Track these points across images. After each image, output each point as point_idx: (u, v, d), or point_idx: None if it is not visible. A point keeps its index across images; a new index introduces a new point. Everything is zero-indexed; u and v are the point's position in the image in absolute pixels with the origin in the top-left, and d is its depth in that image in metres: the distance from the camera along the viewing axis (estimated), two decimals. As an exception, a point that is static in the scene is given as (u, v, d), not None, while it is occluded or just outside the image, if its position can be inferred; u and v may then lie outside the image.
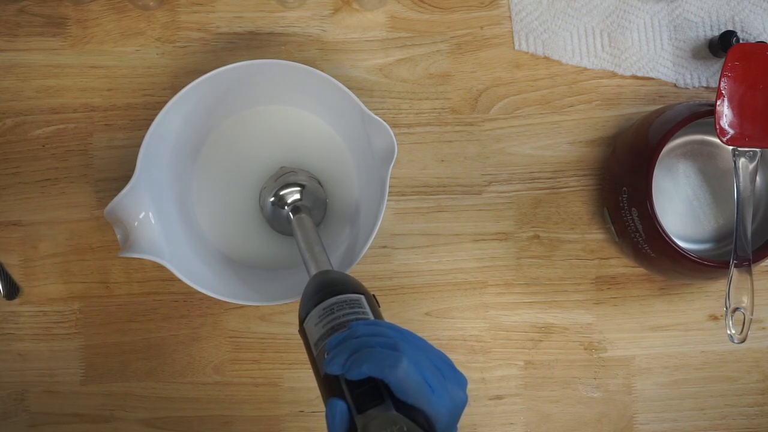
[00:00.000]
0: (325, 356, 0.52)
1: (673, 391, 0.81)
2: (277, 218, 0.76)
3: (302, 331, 0.57)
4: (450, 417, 0.50)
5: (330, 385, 0.51)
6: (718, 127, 0.69)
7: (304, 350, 0.71)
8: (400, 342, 0.51)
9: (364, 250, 0.70)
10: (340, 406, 0.49)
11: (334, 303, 0.55)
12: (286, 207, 0.74)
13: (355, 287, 0.58)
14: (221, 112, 0.76)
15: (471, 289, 0.80)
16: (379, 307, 0.58)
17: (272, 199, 0.75)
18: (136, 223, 0.67)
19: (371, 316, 0.56)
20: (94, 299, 0.79)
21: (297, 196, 0.74)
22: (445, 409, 0.50)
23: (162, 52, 0.79)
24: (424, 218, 0.80)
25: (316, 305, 0.56)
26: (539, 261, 0.80)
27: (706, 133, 0.76)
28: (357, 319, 0.54)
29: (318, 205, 0.76)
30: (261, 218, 0.77)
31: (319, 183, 0.77)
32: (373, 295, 0.58)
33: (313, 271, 0.63)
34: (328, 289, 0.57)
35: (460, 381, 0.52)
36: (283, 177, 0.75)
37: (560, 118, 0.80)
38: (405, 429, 0.47)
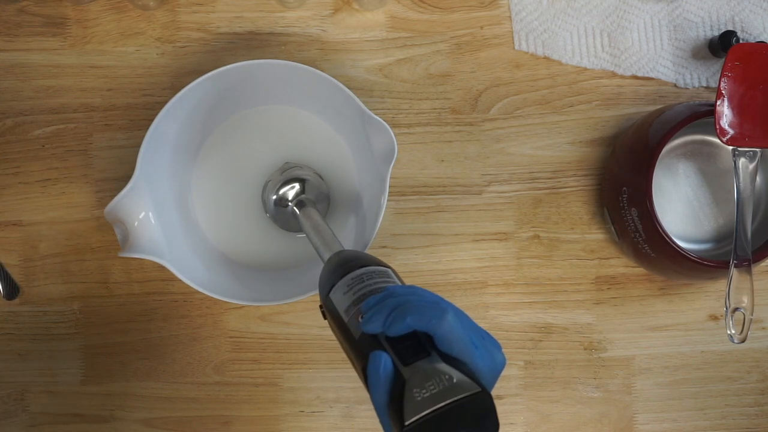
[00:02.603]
0: (360, 318, 0.50)
1: (673, 391, 0.81)
2: (280, 213, 0.76)
3: (328, 303, 0.55)
4: (491, 375, 0.50)
5: (368, 345, 0.50)
6: (718, 127, 0.69)
7: (304, 350, 0.71)
8: (440, 299, 0.50)
9: (365, 250, 0.70)
10: (385, 358, 0.47)
11: (363, 273, 0.54)
12: (290, 203, 0.74)
13: (380, 262, 0.57)
14: (221, 112, 0.76)
15: (471, 289, 0.80)
16: None
17: (276, 195, 0.75)
18: (136, 223, 0.67)
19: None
20: (94, 299, 0.79)
21: (301, 190, 0.75)
22: (486, 366, 0.49)
23: (162, 52, 0.79)
24: (424, 218, 0.80)
25: (342, 276, 0.55)
26: (539, 261, 0.80)
27: (706, 133, 0.76)
28: (392, 284, 0.54)
29: (321, 199, 0.76)
30: (262, 218, 0.77)
31: (322, 178, 0.77)
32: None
33: (328, 255, 0.62)
34: (354, 263, 0.56)
35: (497, 345, 0.52)
36: (288, 171, 0.75)
37: (560, 118, 0.80)
38: (454, 379, 0.46)
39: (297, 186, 0.75)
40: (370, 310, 0.50)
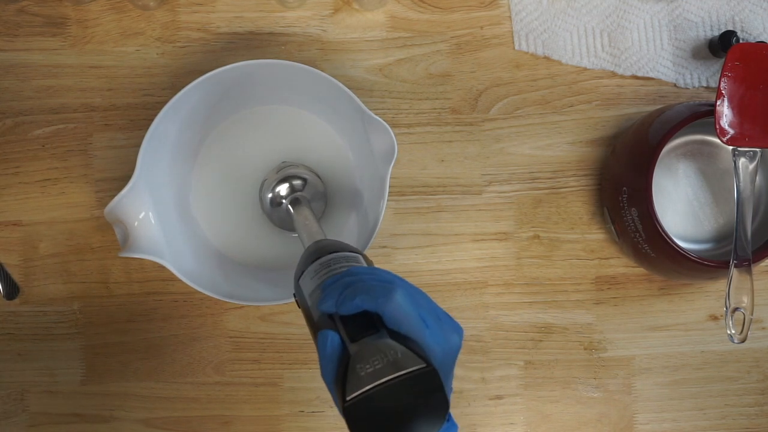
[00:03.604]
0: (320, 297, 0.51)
1: (673, 391, 0.81)
2: (276, 211, 0.76)
3: (297, 289, 0.56)
4: (444, 356, 0.49)
5: (323, 324, 0.50)
6: (718, 127, 0.69)
7: (304, 350, 0.71)
8: (395, 279, 0.50)
9: (364, 250, 0.70)
10: (331, 335, 0.48)
11: (331, 258, 0.55)
12: (284, 200, 0.74)
13: (352, 249, 0.57)
14: (221, 112, 0.76)
15: (471, 289, 0.80)
16: None
17: (272, 193, 0.75)
18: (136, 223, 0.67)
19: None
20: (94, 299, 0.79)
21: (297, 188, 0.75)
22: (438, 346, 0.49)
23: (162, 52, 0.79)
24: (424, 218, 0.80)
25: (312, 262, 0.55)
26: (539, 261, 0.80)
27: (706, 133, 0.76)
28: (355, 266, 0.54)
29: (318, 197, 0.76)
30: (261, 218, 0.77)
31: (319, 177, 0.77)
32: (372, 262, 0.58)
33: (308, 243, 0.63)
34: (325, 249, 0.56)
35: (456, 327, 0.52)
36: (284, 170, 0.76)
37: (560, 118, 0.80)
38: (399, 354, 0.46)
39: (292, 184, 0.75)
40: (326, 290, 0.51)
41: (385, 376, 0.45)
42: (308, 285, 0.54)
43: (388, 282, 0.50)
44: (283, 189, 0.75)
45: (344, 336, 0.48)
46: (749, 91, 0.70)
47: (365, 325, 0.48)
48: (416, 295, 0.51)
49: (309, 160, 0.77)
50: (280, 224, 0.77)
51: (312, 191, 0.76)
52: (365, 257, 0.57)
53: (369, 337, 0.48)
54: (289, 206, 0.73)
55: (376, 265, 0.78)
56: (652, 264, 0.75)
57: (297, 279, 0.56)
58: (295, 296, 0.57)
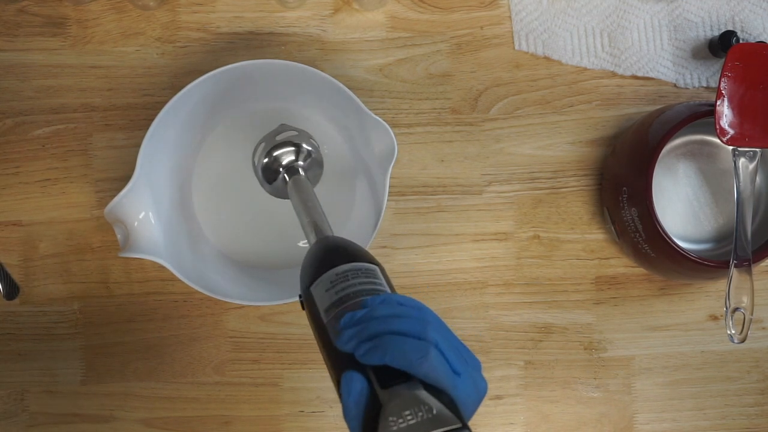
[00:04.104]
0: (338, 333, 0.48)
1: (673, 391, 0.81)
2: (269, 178, 0.72)
3: (308, 297, 0.52)
4: (474, 405, 0.48)
5: (345, 359, 0.47)
6: (718, 127, 0.69)
7: (304, 350, 0.71)
8: (426, 327, 0.47)
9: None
10: (358, 378, 0.45)
11: (348, 270, 0.51)
12: (281, 168, 0.71)
13: (369, 257, 0.54)
14: (221, 112, 0.76)
15: (471, 289, 0.80)
16: None
17: (268, 158, 0.71)
18: (136, 223, 0.67)
19: (387, 290, 0.52)
20: (94, 299, 0.79)
21: (293, 156, 0.71)
22: (469, 397, 0.47)
23: (162, 52, 0.79)
24: (424, 218, 0.80)
25: (327, 270, 0.52)
26: (539, 261, 0.80)
27: (706, 133, 0.76)
28: (373, 291, 0.51)
29: (314, 165, 0.73)
30: (261, 218, 0.77)
31: (316, 143, 0.73)
32: (384, 269, 0.55)
33: (314, 238, 0.60)
34: (340, 256, 0.53)
35: (477, 365, 0.50)
36: (284, 134, 0.72)
37: (560, 118, 0.80)
38: (434, 411, 0.43)
39: (291, 150, 0.71)
40: (347, 330, 0.47)
41: None
42: (323, 298, 0.51)
43: (419, 333, 0.46)
44: (278, 156, 0.71)
45: (373, 380, 0.45)
46: (749, 91, 0.70)
47: (394, 369, 0.45)
48: (444, 340, 0.47)
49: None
50: (274, 193, 0.73)
51: (309, 159, 0.72)
52: (382, 269, 0.54)
53: (400, 386, 0.45)
54: (286, 175, 0.69)
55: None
56: (652, 264, 0.75)
57: (307, 285, 0.53)
58: (300, 299, 0.54)
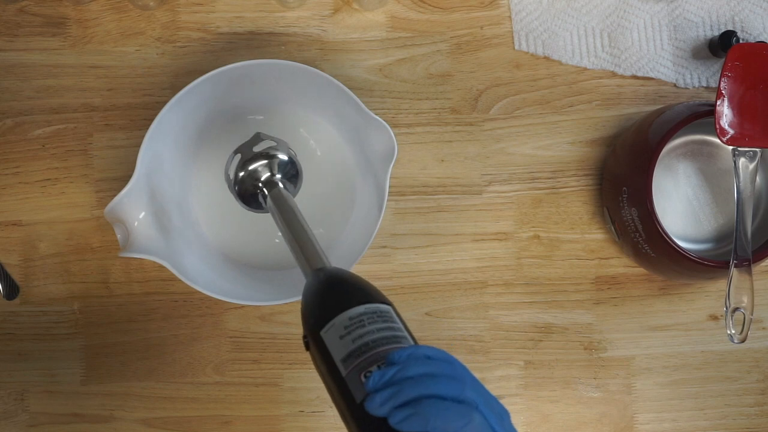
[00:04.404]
0: (365, 393, 0.45)
1: (673, 391, 0.81)
2: (244, 192, 0.68)
3: (317, 341, 0.49)
4: None
5: (373, 420, 0.44)
6: (718, 127, 0.69)
7: (304, 350, 0.71)
8: (463, 387, 0.45)
9: (364, 250, 0.70)
10: None
11: (363, 313, 0.48)
12: (259, 183, 0.67)
13: (380, 296, 0.51)
14: (221, 112, 0.76)
15: (471, 289, 0.80)
16: None
17: (244, 171, 0.67)
18: (136, 223, 0.67)
19: (406, 335, 0.49)
20: (94, 299, 0.79)
21: (271, 170, 0.67)
22: None
23: (162, 52, 0.79)
24: (424, 218, 0.80)
25: (337, 312, 0.48)
26: (539, 261, 0.80)
27: (706, 133, 0.76)
28: (393, 338, 0.47)
29: (291, 177, 0.69)
30: (261, 218, 0.77)
31: (295, 155, 0.69)
32: (392, 304, 0.52)
33: (308, 266, 0.57)
34: (351, 295, 0.50)
35: (507, 416, 0.48)
36: (260, 145, 0.68)
37: (560, 118, 0.80)
38: None
39: (268, 162, 0.66)
40: (379, 393, 0.44)
41: None
42: (338, 346, 0.48)
43: (458, 395, 0.44)
44: (256, 168, 0.66)
45: None
46: (749, 91, 0.70)
47: None
48: (482, 396, 0.46)
49: (308, 160, 0.75)
50: (250, 204, 0.69)
51: (286, 170, 0.68)
52: (394, 308, 0.51)
53: None
54: (264, 189, 0.65)
55: (376, 264, 0.79)
56: (652, 264, 0.75)
57: (314, 327, 0.49)
58: (306, 340, 0.50)
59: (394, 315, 0.50)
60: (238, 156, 0.68)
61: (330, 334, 0.49)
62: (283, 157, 0.68)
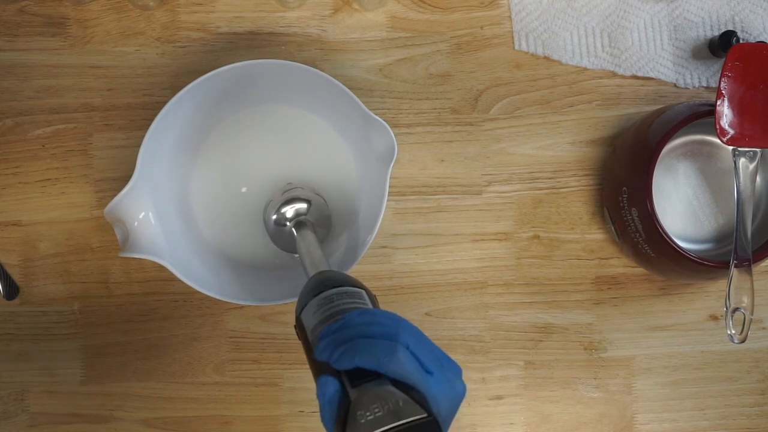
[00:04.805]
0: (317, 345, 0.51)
1: (673, 391, 0.81)
2: (279, 233, 0.75)
3: (299, 323, 0.56)
4: (450, 404, 0.49)
5: (321, 366, 0.50)
6: (718, 127, 0.69)
7: (304, 350, 0.71)
8: (397, 330, 0.49)
9: (364, 251, 0.70)
10: (331, 381, 0.47)
11: (333, 293, 0.54)
12: (289, 223, 0.73)
13: (355, 283, 0.57)
14: (221, 112, 0.76)
15: (471, 289, 0.80)
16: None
17: (276, 214, 0.74)
18: (136, 223, 0.67)
19: (370, 307, 0.55)
20: (94, 299, 0.79)
21: (301, 211, 0.74)
22: (444, 395, 0.48)
23: (162, 52, 0.79)
24: (424, 218, 0.80)
25: (315, 296, 0.55)
26: (539, 261, 0.80)
27: (706, 133, 0.76)
28: (356, 308, 0.53)
29: (322, 222, 0.75)
30: (260, 217, 0.77)
31: (324, 199, 0.76)
32: (375, 296, 0.58)
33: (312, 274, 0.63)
34: (329, 283, 0.56)
35: (457, 370, 0.51)
36: (289, 192, 0.75)
37: (560, 118, 0.80)
38: (400, 403, 0.45)
39: (297, 206, 0.74)
40: (323, 340, 0.50)
41: (385, 425, 0.45)
42: (310, 320, 0.54)
43: (389, 335, 0.49)
44: (288, 211, 0.74)
45: (345, 381, 0.48)
46: (749, 91, 0.70)
47: (366, 370, 0.48)
48: (418, 343, 0.49)
49: (308, 161, 0.77)
50: (284, 247, 0.76)
51: (317, 214, 0.74)
52: (368, 292, 0.56)
53: (370, 383, 0.47)
54: (293, 229, 0.72)
55: (376, 264, 0.79)
56: (652, 264, 0.75)
57: (299, 312, 0.56)
58: (296, 328, 0.56)
59: (365, 295, 0.56)
60: (270, 203, 0.75)
61: (306, 313, 0.55)
62: (310, 199, 0.74)
